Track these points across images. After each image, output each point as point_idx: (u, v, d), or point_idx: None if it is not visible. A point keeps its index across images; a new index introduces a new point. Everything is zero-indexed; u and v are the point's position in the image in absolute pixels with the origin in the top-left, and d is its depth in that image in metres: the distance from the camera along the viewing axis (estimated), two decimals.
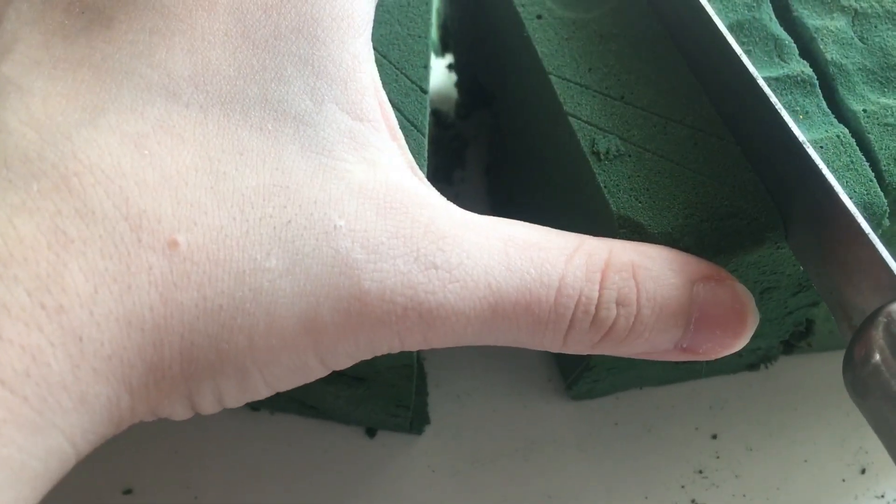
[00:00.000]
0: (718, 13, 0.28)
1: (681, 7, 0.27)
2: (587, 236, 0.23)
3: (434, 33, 0.40)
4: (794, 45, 0.28)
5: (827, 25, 0.28)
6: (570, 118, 0.26)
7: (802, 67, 0.27)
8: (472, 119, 0.41)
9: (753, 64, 0.27)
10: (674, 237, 0.24)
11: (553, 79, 0.27)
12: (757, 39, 0.28)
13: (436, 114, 0.42)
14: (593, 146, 0.25)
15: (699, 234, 0.25)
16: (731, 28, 0.28)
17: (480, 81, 0.37)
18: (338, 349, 0.20)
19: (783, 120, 0.24)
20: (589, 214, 0.26)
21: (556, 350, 0.22)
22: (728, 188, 0.25)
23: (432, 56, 0.41)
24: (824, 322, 0.33)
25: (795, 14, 0.28)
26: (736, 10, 0.28)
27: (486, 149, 0.41)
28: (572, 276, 0.21)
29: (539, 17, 0.28)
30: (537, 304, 0.21)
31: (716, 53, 0.26)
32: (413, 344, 0.21)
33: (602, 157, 0.25)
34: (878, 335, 0.20)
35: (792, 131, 0.23)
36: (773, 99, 0.24)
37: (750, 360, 0.35)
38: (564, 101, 0.26)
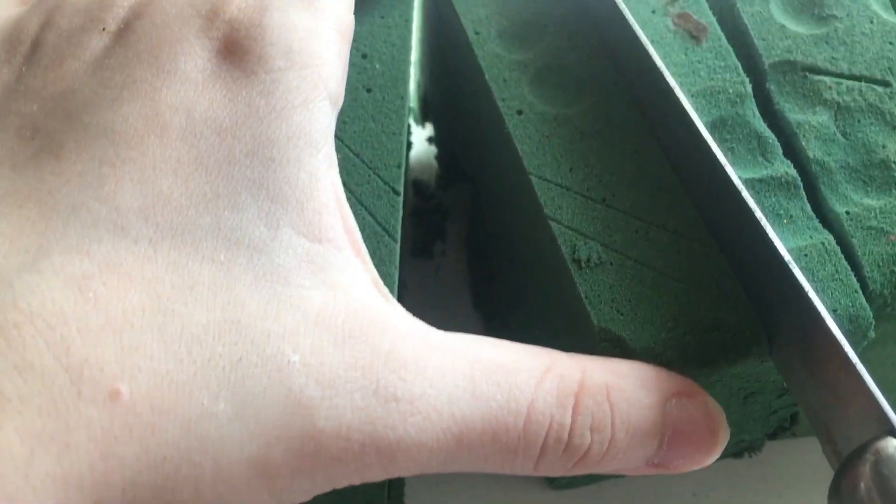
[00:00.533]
0: (701, 109, 0.28)
1: (662, 104, 0.26)
2: (559, 354, 0.22)
3: (414, 102, 0.39)
4: (777, 143, 0.27)
5: (809, 120, 0.28)
6: (551, 222, 0.25)
7: (786, 168, 0.27)
8: (454, 189, 0.41)
9: (736, 163, 0.27)
10: (656, 351, 0.24)
11: (534, 179, 0.26)
12: (740, 137, 0.27)
13: (416, 184, 0.41)
14: (574, 253, 0.25)
15: (682, 347, 0.24)
16: (713, 125, 0.27)
17: (459, 160, 0.37)
18: (293, 488, 0.19)
19: (765, 232, 0.23)
20: (570, 319, 0.26)
21: (528, 474, 0.22)
22: (711, 299, 0.24)
23: (413, 124, 0.40)
24: None
25: (777, 108, 0.28)
26: (719, 106, 0.28)
27: (467, 220, 0.40)
28: (542, 402, 0.21)
29: (520, 112, 0.27)
30: (505, 433, 0.20)
31: (697, 155, 0.25)
32: (373, 477, 0.20)
33: (583, 265, 0.25)
34: (866, 472, 0.20)
35: (775, 245, 0.23)
36: (755, 208, 0.24)
37: (734, 451, 0.34)
38: (545, 203, 0.26)
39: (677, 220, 0.25)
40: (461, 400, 0.20)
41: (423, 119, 0.40)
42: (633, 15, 0.29)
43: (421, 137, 0.41)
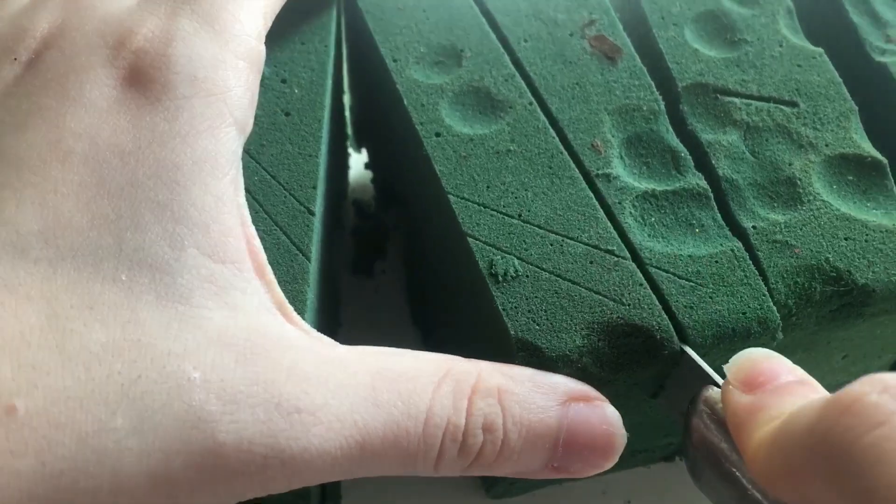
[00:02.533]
0: (617, 126, 0.29)
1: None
2: (457, 360, 0.23)
3: (349, 128, 0.40)
4: (689, 157, 0.28)
5: (719, 140, 0.29)
6: (468, 238, 0.26)
7: (697, 180, 0.28)
8: (394, 209, 0.42)
9: (651, 177, 0.28)
10: (572, 359, 0.24)
11: (452, 198, 0.27)
12: (654, 152, 0.29)
13: (356, 203, 0.42)
14: (491, 268, 0.26)
15: (597, 353, 0.25)
16: (629, 141, 0.28)
17: (392, 183, 0.38)
18: (194, 501, 0.19)
19: None
20: (490, 331, 0.26)
21: (429, 475, 0.22)
22: (623, 306, 0.25)
23: (350, 151, 0.41)
24: None
25: (690, 128, 0.29)
26: (634, 123, 0.29)
27: (405, 239, 0.41)
28: (440, 406, 0.21)
29: (438, 134, 0.28)
30: (406, 437, 0.21)
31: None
32: (277, 489, 0.20)
33: (500, 278, 0.25)
34: (697, 411, 0.23)
35: None
36: None
37: (664, 454, 0.35)
38: (463, 220, 0.26)
39: (590, 233, 0.26)
40: (363, 409, 0.20)
41: (357, 144, 0.41)
42: (550, 37, 0.30)
43: (359, 160, 0.42)
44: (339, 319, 0.39)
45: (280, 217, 0.26)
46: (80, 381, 0.18)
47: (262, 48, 0.24)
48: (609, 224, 0.27)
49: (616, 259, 0.26)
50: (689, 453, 0.23)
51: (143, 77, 0.21)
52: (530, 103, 0.29)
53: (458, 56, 0.30)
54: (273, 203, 0.26)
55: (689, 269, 0.26)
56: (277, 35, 0.29)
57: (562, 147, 0.28)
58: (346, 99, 0.38)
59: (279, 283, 0.23)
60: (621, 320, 0.25)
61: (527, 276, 0.25)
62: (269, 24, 0.25)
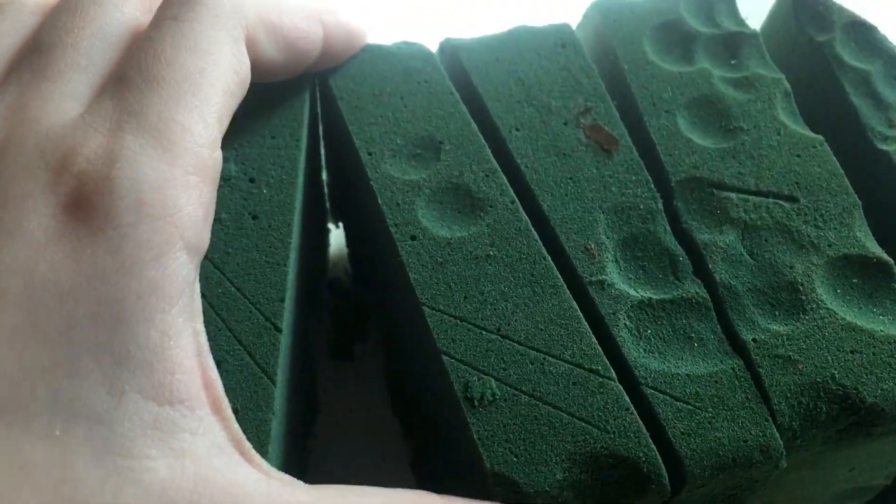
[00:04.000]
0: (613, 226, 0.27)
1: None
2: (431, 498, 0.21)
3: (327, 203, 0.38)
4: (688, 261, 0.26)
5: (716, 241, 0.27)
6: (444, 357, 0.24)
7: (697, 289, 0.26)
8: (371, 291, 0.40)
9: (648, 283, 0.26)
10: (552, 494, 0.22)
11: (426, 310, 0.25)
12: (651, 255, 0.27)
13: (334, 283, 0.40)
14: (467, 391, 0.24)
15: (579, 487, 0.23)
16: (625, 242, 0.27)
17: (368, 268, 0.36)
18: None
19: None
20: (466, 455, 0.24)
21: None
22: (608, 434, 0.23)
23: (329, 225, 0.39)
24: None
25: (685, 226, 0.27)
26: (630, 223, 0.27)
27: (385, 321, 0.39)
28: None
29: (413, 237, 0.26)
30: None
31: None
32: None
33: (476, 403, 0.23)
34: None
35: None
36: None
37: None
38: (438, 336, 0.24)
39: (573, 349, 0.24)
40: None
41: (335, 219, 0.39)
42: (543, 126, 0.28)
43: (339, 233, 0.40)
44: (317, 405, 0.37)
45: (244, 335, 0.24)
46: None
47: (218, 154, 0.22)
48: (593, 340, 0.25)
49: (601, 380, 0.24)
50: None
51: (85, 204, 0.20)
52: (512, 202, 0.27)
53: (437, 148, 0.28)
54: (237, 319, 0.24)
55: (688, 391, 0.24)
56: (245, 128, 0.27)
57: (544, 252, 0.26)
58: (324, 175, 0.36)
59: (242, 410, 0.21)
60: (605, 450, 0.23)
61: (504, 400, 0.23)
62: (226, 125, 0.23)
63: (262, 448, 0.22)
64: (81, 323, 0.19)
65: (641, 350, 0.25)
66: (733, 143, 0.29)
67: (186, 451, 0.19)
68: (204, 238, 0.21)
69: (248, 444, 0.20)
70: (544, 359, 0.24)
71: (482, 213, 0.27)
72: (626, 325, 0.25)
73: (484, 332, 0.24)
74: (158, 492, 0.18)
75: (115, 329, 0.19)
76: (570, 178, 0.28)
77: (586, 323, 0.25)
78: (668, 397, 0.24)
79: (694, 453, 0.23)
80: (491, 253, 0.26)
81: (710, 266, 0.26)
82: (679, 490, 0.24)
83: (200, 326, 0.21)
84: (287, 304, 0.24)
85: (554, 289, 0.25)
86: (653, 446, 0.23)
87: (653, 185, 0.28)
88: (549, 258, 0.26)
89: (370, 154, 0.28)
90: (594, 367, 0.24)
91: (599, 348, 0.24)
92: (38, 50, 0.22)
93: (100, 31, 0.23)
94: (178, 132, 0.21)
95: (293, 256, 0.25)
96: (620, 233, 0.27)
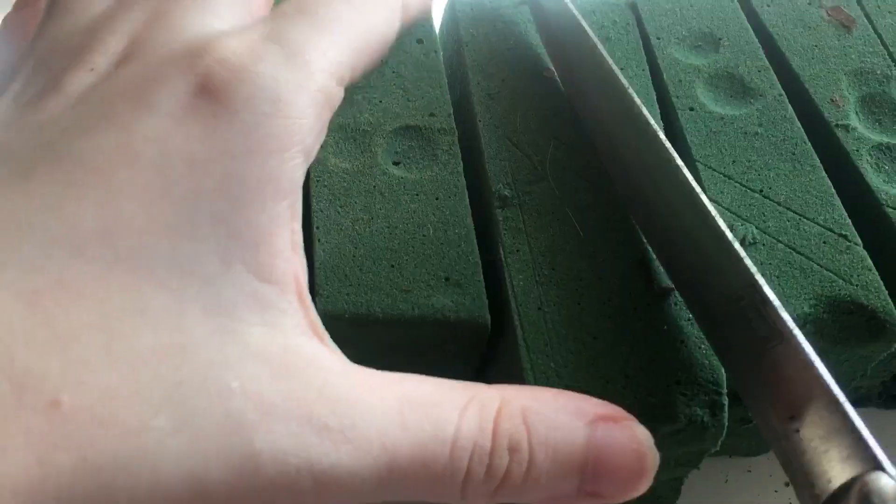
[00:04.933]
0: (852, 86, 0.32)
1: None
2: (481, 386, 0.22)
3: None
4: None
5: None
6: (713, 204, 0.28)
7: None
8: None
9: (884, 132, 0.31)
10: (796, 323, 0.26)
11: (699, 166, 0.29)
12: (886, 110, 0.32)
13: None
14: (731, 230, 0.28)
15: (820, 323, 0.26)
16: (863, 100, 0.32)
17: None
18: None
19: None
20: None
21: (455, 501, 0.22)
22: (852, 286, 0.27)
23: None
24: None
25: None
26: (868, 84, 0.32)
27: None
28: (466, 429, 0.21)
29: (691, 108, 0.31)
30: (433, 460, 0.21)
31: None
32: None
33: (739, 242, 0.28)
34: None
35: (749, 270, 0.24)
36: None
37: None
38: (708, 187, 0.29)
39: (826, 216, 0.28)
40: (391, 431, 0.20)
41: None
42: (790, 4, 0.34)
43: None
44: None
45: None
46: (126, 380, 0.18)
47: (342, 92, 0.24)
48: (844, 212, 0.28)
49: (848, 244, 0.28)
50: None
51: (223, 87, 0.21)
52: (780, 94, 0.31)
53: (716, 43, 0.32)
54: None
55: None
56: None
57: (806, 137, 0.30)
58: None
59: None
60: (848, 297, 0.27)
61: (763, 245, 0.28)
62: (357, 76, 0.25)
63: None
64: (206, 193, 0.20)
65: (881, 180, 0.30)
66: None
67: (277, 324, 0.21)
68: (314, 151, 0.24)
69: (323, 331, 0.22)
70: (799, 219, 0.28)
71: (752, 100, 0.31)
72: (867, 160, 0.30)
73: (748, 191, 0.29)
74: (254, 353, 0.20)
75: (234, 205, 0.20)
76: (815, 46, 0.33)
77: (839, 199, 0.29)
78: None
79: None
80: (759, 131, 0.30)
81: None
82: None
83: (298, 226, 0.22)
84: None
85: (812, 168, 0.29)
86: (891, 301, 0.27)
87: (888, 56, 0.33)
88: (810, 144, 0.30)
89: (658, 38, 0.33)
90: (843, 233, 0.28)
91: (848, 219, 0.28)
92: None
93: None
94: (317, 57, 0.23)
95: None
96: (860, 91, 0.32)
